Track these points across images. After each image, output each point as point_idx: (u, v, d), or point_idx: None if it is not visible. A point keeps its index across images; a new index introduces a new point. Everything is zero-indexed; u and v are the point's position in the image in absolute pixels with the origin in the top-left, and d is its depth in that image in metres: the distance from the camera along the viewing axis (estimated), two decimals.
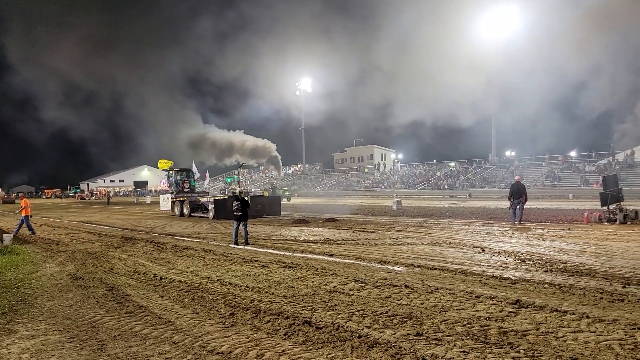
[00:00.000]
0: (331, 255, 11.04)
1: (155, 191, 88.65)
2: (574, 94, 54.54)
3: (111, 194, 77.84)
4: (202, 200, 28.25)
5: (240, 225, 13.79)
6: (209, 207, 25.44)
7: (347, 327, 5.51)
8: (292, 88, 74.18)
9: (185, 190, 29.95)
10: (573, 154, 58.78)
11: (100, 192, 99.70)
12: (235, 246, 13.26)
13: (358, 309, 6.27)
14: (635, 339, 4.84)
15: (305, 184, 79.92)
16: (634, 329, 5.15)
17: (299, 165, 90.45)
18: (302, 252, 11.72)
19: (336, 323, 5.66)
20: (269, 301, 6.88)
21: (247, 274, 9.04)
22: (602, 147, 56.24)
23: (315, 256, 11.07)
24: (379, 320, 5.74)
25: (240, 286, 7.98)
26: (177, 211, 28.32)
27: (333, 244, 13.21)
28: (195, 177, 32.94)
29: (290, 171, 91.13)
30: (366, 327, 5.50)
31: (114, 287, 8.27)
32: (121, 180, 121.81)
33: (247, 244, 13.40)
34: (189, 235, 16.53)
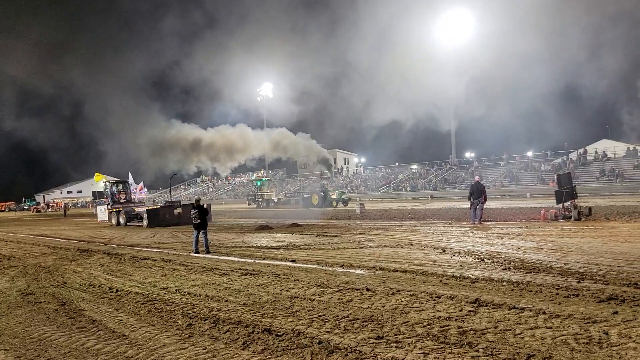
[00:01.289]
0: (293, 261, 10.93)
1: None
2: (531, 95, 56.00)
3: (69, 205, 75.41)
4: (137, 210, 29.41)
5: (200, 233, 13.53)
6: (144, 216, 26.77)
7: (307, 333, 5.42)
8: (264, 90, 73.56)
9: (122, 201, 31.67)
10: (530, 154, 60.46)
11: (57, 203, 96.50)
12: (196, 255, 12.99)
13: (319, 314, 6.19)
14: (590, 332, 4.93)
15: (269, 189, 79.47)
16: (588, 323, 5.24)
17: (262, 171, 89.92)
18: (264, 259, 11.57)
19: (296, 329, 5.57)
20: (228, 310, 6.72)
21: (207, 283, 8.84)
22: (557, 146, 58.03)
23: (277, 262, 10.94)
24: (339, 325, 5.68)
25: (200, 296, 7.79)
26: (114, 221, 29.63)
27: (296, 250, 13.11)
28: (132, 188, 35.03)
29: (253, 177, 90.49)
30: (327, 332, 5.42)
31: (67, 301, 7.94)
32: (79, 191, 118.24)
33: (208, 252, 13.15)
34: (149, 246, 16.12)
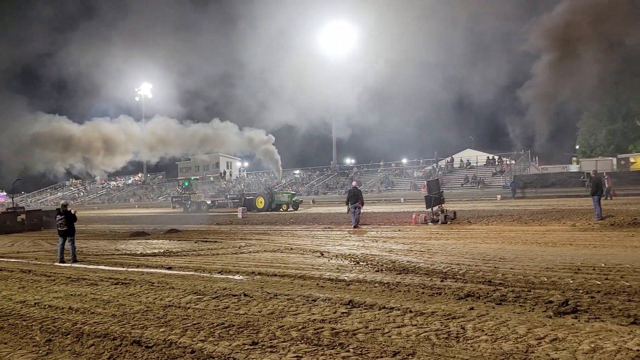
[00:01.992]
0: (169, 268, 10.55)
1: None
2: (408, 105, 59.45)
3: None
4: None
5: (67, 241, 12.55)
6: None
7: (180, 342, 5.25)
8: (143, 90, 69.57)
9: None
10: (404, 161, 64.24)
11: None
12: (61, 264, 12.03)
13: (194, 322, 6.02)
14: (449, 328, 5.32)
15: (147, 194, 75.99)
16: (448, 319, 5.66)
17: (139, 175, 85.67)
18: (137, 267, 11.02)
19: (169, 340, 5.36)
20: (94, 322, 6.29)
21: (71, 295, 8.21)
22: (429, 154, 62.42)
23: (152, 270, 10.48)
24: (214, 332, 5.57)
25: (62, 308, 7.21)
26: None
27: (173, 256, 12.66)
28: None
29: (130, 181, 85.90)
30: (200, 340, 5.29)
31: None
32: None
33: (75, 261, 12.23)
34: (5, 255, 14.63)
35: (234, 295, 7.43)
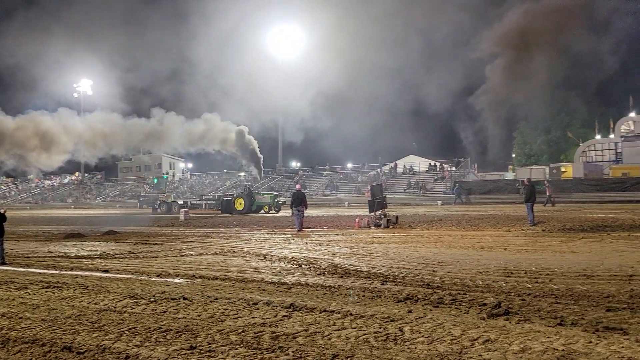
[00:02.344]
0: (106, 271, 10.19)
1: None
2: (355, 110, 60.19)
3: None
4: None
5: None
6: None
7: (114, 348, 5.07)
8: (82, 86, 66.70)
9: None
10: (349, 165, 65.00)
11: None
12: None
13: (129, 327, 5.84)
14: (388, 330, 5.42)
15: (84, 194, 73.13)
16: (387, 321, 5.77)
17: (77, 174, 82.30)
18: (71, 270, 10.59)
19: (102, 345, 5.17)
20: (22, 328, 5.98)
21: None
22: (373, 159, 63.39)
23: (86, 273, 10.09)
24: (151, 337, 5.42)
25: None
26: None
27: (110, 259, 12.25)
28: None
29: (66, 180, 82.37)
30: (136, 346, 5.13)
31: None
32: None
33: (3, 263, 11.60)
34: None
35: (173, 299, 7.27)
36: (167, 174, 55.83)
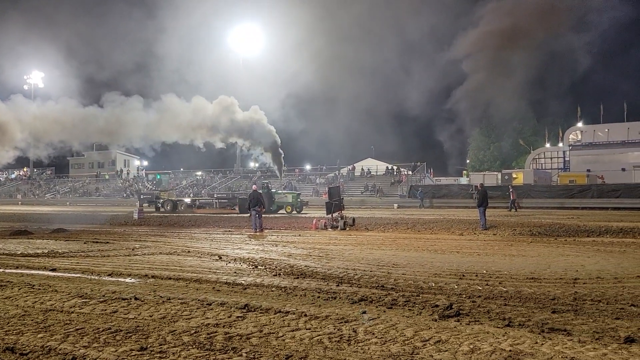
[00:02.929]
0: (54, 270, 9.84)
1: None
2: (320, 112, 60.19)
3: None
4: None
5: None
6: None
7: (60, 349, 4.90)
8: (33, 78, 63.79)
9: None
10: (308, 167, 65.10)
11: None
12: None
13: (77, 327, 5.66)
14: (342, 331, 5.45)
15: (33, 190, 70.41)
16: (342, 322, 5.80)
17: (25, 169, 79.12)
18: (17, 268, 10.18)
19: (47, 346, 4.99)
20: None
21: None
22: (331, 161, 63.74)
23: (33, 272, 9.73)
24: (99, 338, 5.27)
25: None
26: None
27: (58, 257, 11.84)
28: None
29: (13, 175, 79.11)
30: (84, 347, 4.98)
31: None
32: None
33: None
34: None
35: (124, 299, 7.09)
36: (168, 172, 50.96)
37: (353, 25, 51.28)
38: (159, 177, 43.83)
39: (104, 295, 7.36)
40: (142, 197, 41.26)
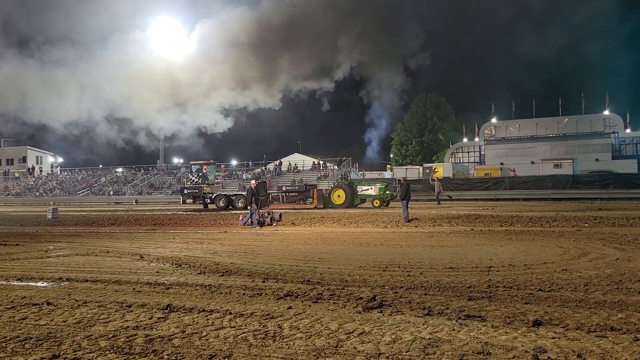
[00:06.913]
0: None
1: None
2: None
3: None
4: None
5: None
6: None
7: None
8: None
9: None
10: (234, 162, 64.29)
11: None
12: None
13: None
14: (267, 328, 5.43)
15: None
16: (267, 318, 5.78)
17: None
18: None
19: None
20: None
21: None
22: (258, 157, 63.22)
23: None
24: (7, 347, 4.92)
25: None
26: None
27: None
28: None
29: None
30: None
31: None
32: None
33: None
34: None
35: (35, 305, 6.66)
36: (214, 162, 41.99)
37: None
38: (200, 168, 36.09)
39: (12, 301, 6.88)
40: (186, 190, 36.22)
